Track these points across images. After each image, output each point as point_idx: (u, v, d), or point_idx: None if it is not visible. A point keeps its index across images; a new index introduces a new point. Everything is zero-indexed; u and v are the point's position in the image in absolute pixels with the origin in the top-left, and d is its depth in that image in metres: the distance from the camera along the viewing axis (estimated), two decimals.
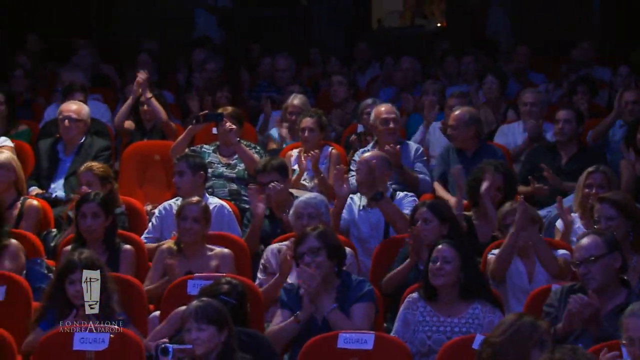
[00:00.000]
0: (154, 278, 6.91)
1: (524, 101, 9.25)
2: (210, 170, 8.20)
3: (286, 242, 6.91)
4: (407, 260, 6.66)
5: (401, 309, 6.14)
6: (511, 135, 9.28)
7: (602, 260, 5.75)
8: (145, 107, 9.54)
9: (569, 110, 8.58)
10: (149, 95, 9.39)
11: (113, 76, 12.40)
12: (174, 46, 14.08)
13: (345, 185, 7.39)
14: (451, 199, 7.65)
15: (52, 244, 7.50)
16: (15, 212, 7.60)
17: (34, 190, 8.39)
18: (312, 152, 8.35)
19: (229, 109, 8.96)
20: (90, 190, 7.31)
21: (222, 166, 8.50)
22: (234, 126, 8.48)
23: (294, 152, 8.81)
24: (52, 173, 8.58)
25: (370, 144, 8.70)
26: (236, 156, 8.50)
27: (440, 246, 6.11)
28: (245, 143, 8.58)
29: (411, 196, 7.74)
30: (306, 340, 5.86)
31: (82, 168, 7.80)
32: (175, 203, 7.58)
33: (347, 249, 6.62)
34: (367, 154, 7.84)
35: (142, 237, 7.52)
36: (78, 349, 5.76)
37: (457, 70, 11.55)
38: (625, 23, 14.64)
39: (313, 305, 6.05)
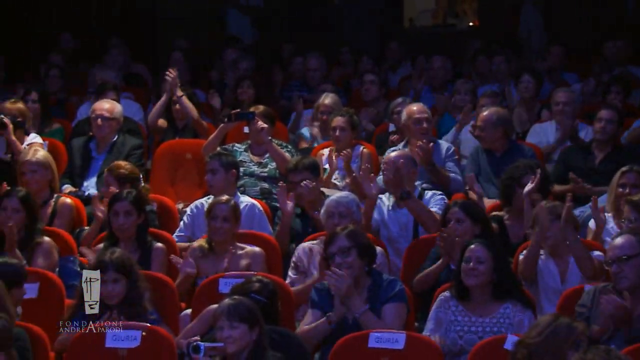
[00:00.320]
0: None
1: (557, 100, 9.19)
2: (241, 168, 8.20)
3: (317, 241, 6.92)
4: (440, 260, 6.64)
5: (433, 307, 6.13)
6: (543, 134, 9.23)
7: (635, 259, 5.72)
8: (177, 106, 9.58)
9: (611, 110, 8.50)
10: (179, 93, 9.41)
11: (145, 75, 12.45)
12: (207, 46, 14.13)
13: (373, 185, 7.37)
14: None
15: None
16: (49, 210, 7.65)
17: (67, 188, 8.44)
18: (344, 152, 8.34)
19: (261, 107, 8.97)
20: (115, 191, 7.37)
21: (254, 165, 8.51)
22: (265, 125, 8.48)
23: (325, 151, 8.81)
24: (84, 171, 8.62)
25: (402, 144, 8.68)
26: (267, 155, 8.51)
27: (473, 246, 6.09)
28: (276, 142, 8.58)
29: (440, 195, 7.71)
30: (337, 339, 5.86)
31: (107, 168, 7.84)
32: (206, 201, 7.59)
33: (378, 249, 6.61)
34: (392, 153, 7.82)
35: (174, 235, 7.54)
36: (110, 346, 5.78)
37: (488, 70, 11.50)
38: None
39: (344, 306, 6.04)
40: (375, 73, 11.18)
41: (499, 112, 8.53)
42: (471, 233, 6.65)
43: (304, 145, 9.55)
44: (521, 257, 6.63)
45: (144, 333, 5.77)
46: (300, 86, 11.54)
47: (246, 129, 8.74)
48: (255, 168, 8.48)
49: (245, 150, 8.61)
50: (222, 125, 8.63)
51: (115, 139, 8.75)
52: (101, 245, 6.97)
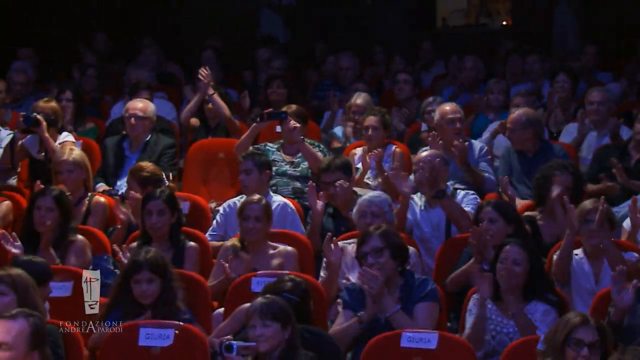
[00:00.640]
0: (217, 275, 6.92)
1: (591, 100, 9.13)
2: (274, 168, 8.21)
3: (350, 240, 6.92)
4: (472, 260, 6.62)
5: (470, 306, 6.10)
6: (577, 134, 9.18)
7: None
8: (209, 105, 9.61)
9: None
10: (211, 92, 9.44)
11: (179, 75, 12.50)
12: (239, 45, 14.16)
13: (406, 184, 7.35)
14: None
15: None
16: (83, 209, 7.69)
17: (101, 186, 8.48)
18: (375, 151, 8.33)
19: (293, 107, 8.98)
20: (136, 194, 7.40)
21: (286, 164, 8.51)
22: (297, 124, 8.48)
23: (358, 151, 8.81)
24: (118, 170, 8.66)
25: None
26: (300, 154, 8.51)
27: (508, 247, 6.07)
28: (309, 141, 8.58)
29: (472, 194, 7.69)
30: (369, 339, 5.84)
31: (130, 170, 7.87)
32: (239, 201, 7.59)
33: (411, 249, 6.59)
34: (424, 153, 7.80)
35: (207, 234, 7.56)
36: (143, 344, 5.80)
37: (521, 69, 11.45)
38: None
39: (376, 306, 6.03)
40: (409, 72, 11.16)
41: (528, 113, 8.49)
42: (504, 233, 6.62)
43: (337, 144, 9.56)
44: (555, 257, 6.60)
45: (176, 332, 5.79)
46: (332, 85, 11.54)
47: (278, 129, 8.75)
48: (287, 167, 8.49)
49: (278, 150, 8.62)
50: (254, 124, 8.64)
51: (148, 138, 8.78)
52: (134, 244, 7.00)
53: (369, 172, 8.46)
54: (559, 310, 6.01)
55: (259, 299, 5.56)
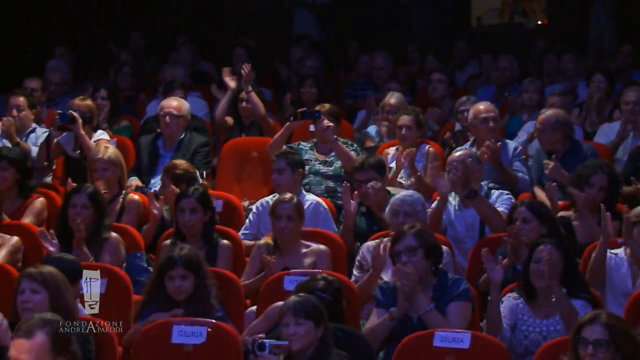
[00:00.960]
0: (250, 274, 6.94)
1: (627, 100, 9.06)
2: (307, 167, 8.22)
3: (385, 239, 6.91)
4: (505, 260, 6.59)
5: (503, 305, 6.07)
6: (612, 134, 9.11)
7: None
8: (244, 103, 9.63)
9: None
10: (249, 89, 9.45)
11: (213, 73, 12.54)
12: (274, 44, 14.18)
13: (444, 182, 7.33)
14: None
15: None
16: (117, 206, 7.72)
17: (134, 180, 8.51)
18: (407, 150, 8.31)
19: (327, 106, 8.98)
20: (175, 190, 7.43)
21: (319, 163, 8.52)
22: (331, 123, 8.48)
23: (391, 150, 8.80)
24: (152, 168, 8.68)
25: (469, 143, 8.63)
26: (333, 153, 8.51)
27: (542, 246, 6.04)
28: (342, 140, 8.58)
29: (507, 194, 7.66)
30: (402, 338, 5.83)
31: (163, 168, 7.90)
32: (272, 199, 7.59)
33: (444, 248, 6.57)
34: (458, 153, 7.77)
35: (240, 233, 7.57)
36: (176, 342, 5.81)
37: (556, 69, 11.39)
38: None
39: (408, 303, 6.02)
40: (443, 72, 11.14)
41: (557, 114, 8.43)
42: (538, 233, 6.59)
43: (370, 144, 9.55)
44: (593, 256, 6.55)
45: (209, 329, 5.80)
46: (366, 85, 11.54)
47: (312, 128, 8.76)
48: (320, 166, 8.49)
49: (311, 149, 8.62)
50: (287, 123, 8.65)
51: (182, 136, 8.80)
52: (168, 242, 7.03)
53: (402, 171, 8.44)
54: (594, 307, 5.97)
55: (293, 297, 5.56)
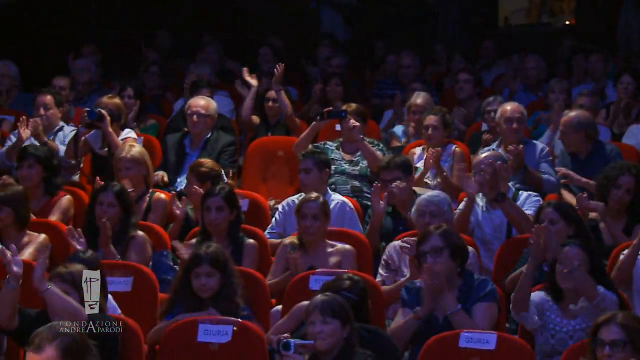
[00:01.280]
0: (276, 273, 6.95)
1: None
2: (332, 166, 8.21)
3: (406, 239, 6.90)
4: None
5: (533, 296, 6.04)
6: None
7: None
8: (270, 102, 9.64)
9: None
10: (279, 88, 9.46)
11: (239, 72, 12.55)
12: (300, 43, 14.18)
13: (471, 184, 7.31)
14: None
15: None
16: (144, 205, 7.75)
17: (159, 174, 8.53)
18: (433, 150, 8.29)
19: (353, 105, 8.98)
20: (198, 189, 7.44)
21: (345, 163, 8.51)
22: (357, 123, 8.48)
23: (417, 150, 8.78)
24: (179, 167, 8.69)
25: (495, 143, 8.60)
26: (359, 153, 8.50)
27: (567, 248, 6.01)
28: (368, 140, 8.57)
29: (535, 196, 7.62)
30: (427, 338, 5.82)
31: (189, 166, 7.91)
32: (298, 199, 7.59)
33: (470, 249, 6.56)
34: (484, 154, 7.73)
35: (265, 232, 7.58)
36: (202, 340, 5.82)
37: (584, 69, 11.33)
38: None
39: (433, 302, 6.00)
40: (470, 72, 11.11)
41: (580, 115, 8.38)
42: (564, 234, 6.55)
43: (396, 143, 9.53)
44: (621, 257, 6.51)
45: (235, 328, 5.81)
46: (393, 84, 11.52)
47: (338, 127, 8.75)
48: (346, 166, 8.49)
49: (337, 148, 8.62)
50: (314, 123, 8.65)
51: (209, 135, 8.82)
52: (194, 241, 7.04)
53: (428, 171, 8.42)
54: (621, 306, 5.94)
55: (319, 296, 5.56)
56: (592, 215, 7.31)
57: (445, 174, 8.24)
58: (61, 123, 9.20)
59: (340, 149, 8.62)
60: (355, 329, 5.54)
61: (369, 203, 7.93)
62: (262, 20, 15.19)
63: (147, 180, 7.89)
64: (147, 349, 6.08)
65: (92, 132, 8.65)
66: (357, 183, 8.40)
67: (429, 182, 8.38)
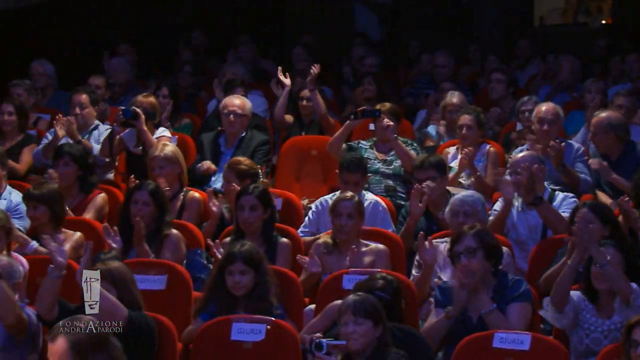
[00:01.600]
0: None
1: None
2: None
3: (442, 239, 6.87)
4: (565, 259, 6.51)
5: (570, 301, 6.00)
6: None
7: None
8: (304, 102, 9.65)
9: None
10: (312, 87, 9.47)
11: (272, 71, 12.57)
12: (335, 42, 14.18)
13: (509, 187, 7.26)
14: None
15: None
16: (178, 203, 7.77)
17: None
18: (466, 149, 8.26)
19: (387, 105, 8.97)
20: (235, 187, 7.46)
21: (379, 162, 8.50)
22: (391, 122, 8.47)
23: (452, 150, 8.76)
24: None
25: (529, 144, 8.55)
26: (392, 152, 8.49)
27: (603, 248, 5.96)
28: (402, 139, 8.56)
29: (572, 197, 7.57)
30: (461, 338, 5.81)
31: (226, 164, 7.93)
32: (331, 198, 7.58)
33: (504, 249, 6.52)
34: (519, 156, 7.68)
35: (299, 231, 7.59)
36: (235, 339, 5.84)
37: (620, 69, 11.25)
38: None
39: (463, 301, 5.98)
40: (503, 72, 11.06)
41: (610, 117, 8.31)
42: (600, 234, 6.50)
43: (430, 143, 9.51)
44: None
45: (268, 327, 5.82)
46: (427, 84, 11.49)
47: (372, 126, 8.74)
48: (380, 165, 8.48)
49: (371, 148, 8.61)
50: (347, 122, 8.64)
51: (243, 134, 8.83)
52: (228, 239, 7.06)
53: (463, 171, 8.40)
54: None
55: (352, 296, 5.55)
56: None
57: (479, 173, 8.22)
58: (96, 122, 9.25)
59: (374, 148, 8.61)
60: (389, 328, 5.53)
61: (402, 202, 7.92)
62: (296, 19, 15.20)
63: (181, 179, 7.92)
64: (182, 348, 6.10)
65: (126, 130, 8.69)
66: (390, 182, 8.39)
67: (462, 181, 8.36)
